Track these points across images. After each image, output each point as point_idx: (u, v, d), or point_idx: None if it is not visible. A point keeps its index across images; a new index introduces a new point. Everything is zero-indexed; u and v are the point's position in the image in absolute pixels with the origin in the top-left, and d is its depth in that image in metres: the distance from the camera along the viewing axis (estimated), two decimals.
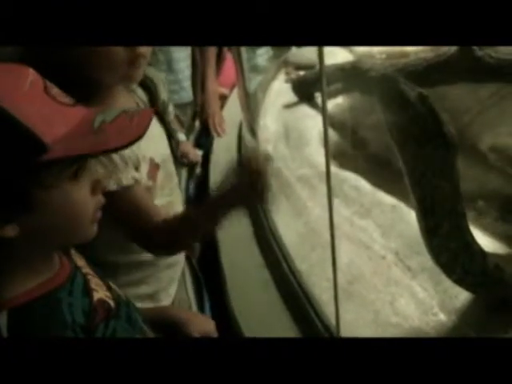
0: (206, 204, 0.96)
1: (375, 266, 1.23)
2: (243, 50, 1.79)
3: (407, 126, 0.83)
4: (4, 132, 0.56)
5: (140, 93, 1.06)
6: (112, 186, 0.87)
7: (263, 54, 2.39)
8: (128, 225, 0.93)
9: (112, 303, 0.75)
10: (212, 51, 2.21)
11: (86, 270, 0.77)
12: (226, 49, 2.44)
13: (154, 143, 0.98)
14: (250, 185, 0.88)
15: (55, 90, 0.62)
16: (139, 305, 0.88)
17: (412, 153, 0.86)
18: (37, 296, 0.65)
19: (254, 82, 2.13)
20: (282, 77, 2.45)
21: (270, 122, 2.07)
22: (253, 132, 1.88)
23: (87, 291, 0.72)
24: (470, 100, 1.62)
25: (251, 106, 1.92)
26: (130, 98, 1.01)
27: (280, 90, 2.34)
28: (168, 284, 1.14)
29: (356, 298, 1.15)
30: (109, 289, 0.78)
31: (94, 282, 0.76)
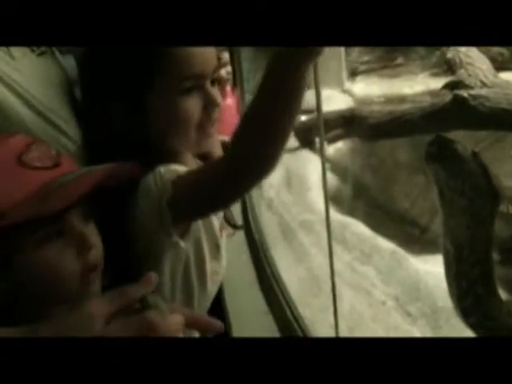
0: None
1: (376, 312, 1.26)
2: (247, 92, 1.84)
3: (460, 184, 0.90)
4: None
5: None
6: None
7: None
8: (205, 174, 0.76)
9: None
10: None
11: None
12: (227, 88, 2.51)
13: None
14: None
15: (33, 155, 0.62)
16: None
17: (461, 207, 0.91)
18: None
19: None
20: None
21: None
22: None
23: None
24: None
25: None
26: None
27: None
28: None
29: None
30: None
31: None
